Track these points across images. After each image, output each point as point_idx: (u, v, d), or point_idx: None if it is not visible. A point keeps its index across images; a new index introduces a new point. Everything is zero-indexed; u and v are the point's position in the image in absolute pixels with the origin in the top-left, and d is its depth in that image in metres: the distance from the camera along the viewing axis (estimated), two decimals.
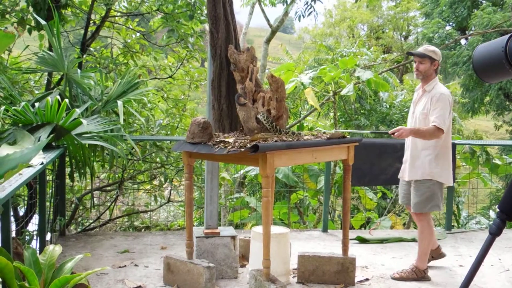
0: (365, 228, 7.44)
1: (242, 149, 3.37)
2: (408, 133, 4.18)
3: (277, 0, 9.84)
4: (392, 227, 7.11)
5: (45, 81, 5.96)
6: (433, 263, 4.74)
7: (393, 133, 4.19)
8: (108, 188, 7.28)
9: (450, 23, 18.01)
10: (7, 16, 5.44)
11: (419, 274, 4.38)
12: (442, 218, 8.03)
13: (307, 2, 8.60)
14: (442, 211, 5.67)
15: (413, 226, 7.70)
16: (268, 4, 10.64)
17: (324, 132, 4.04)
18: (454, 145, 5.18)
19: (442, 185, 4.33)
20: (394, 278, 4.39)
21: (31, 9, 5.46)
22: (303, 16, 8.72)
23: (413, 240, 5.58)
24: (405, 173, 4.45)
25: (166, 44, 7.19)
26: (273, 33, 11.49)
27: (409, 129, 4.18)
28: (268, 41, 11.67)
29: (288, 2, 9.50)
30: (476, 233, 6.04)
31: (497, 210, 2.29)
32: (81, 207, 6.90)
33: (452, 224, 6.66)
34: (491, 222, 2.30)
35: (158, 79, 7.90)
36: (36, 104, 4.38)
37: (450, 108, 4.21)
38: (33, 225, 5.10)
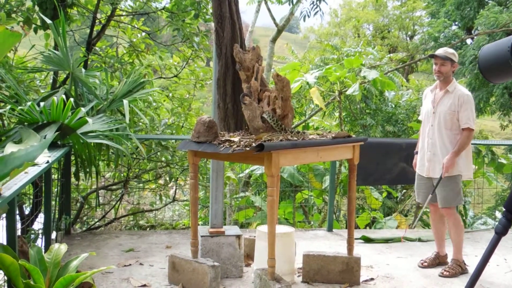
0: (370, 228, 7.42)
1: (247, 148, 3.37)
2: (454, 159, 4.32)
3: None
4: (397, 227, 7.10)
5: (51, 80, 5.98)
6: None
7: (447, 172, 4.34)
8: (114, 187, 7.30)
9: (456, 23, 17.93)
10: (13, 15, 5.45)
11: (463, 266, 4.48)
12: None
13: (313, 2, 8.55)
14: None
15: (419, 226, 7.68)
16: (274, 2, 10.64)
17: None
18: None
19: None
20: (444, 276, 4.38)
21: (37, 8, 5.47)
22: (308, 16, 8.69)
23: (419, 240, 5.57)
24: (432, 171, 4.51)
25: (172, 43, 7.20)
26: (279, 32, 11.48)
27: (451, 156, 4.32)
28: (274, 40, 11.67)
29: (294, 2, 9.47)
30: (482, 233, 6.02)
31: (503, 209, 2.29)
32: (86, 206, 6.93)
33: None
34: (497, 223, 2.29)
35: (164, 78, 7.92)
36: (42, 103, 4.39)
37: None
38: (38, 224, 5.11)
